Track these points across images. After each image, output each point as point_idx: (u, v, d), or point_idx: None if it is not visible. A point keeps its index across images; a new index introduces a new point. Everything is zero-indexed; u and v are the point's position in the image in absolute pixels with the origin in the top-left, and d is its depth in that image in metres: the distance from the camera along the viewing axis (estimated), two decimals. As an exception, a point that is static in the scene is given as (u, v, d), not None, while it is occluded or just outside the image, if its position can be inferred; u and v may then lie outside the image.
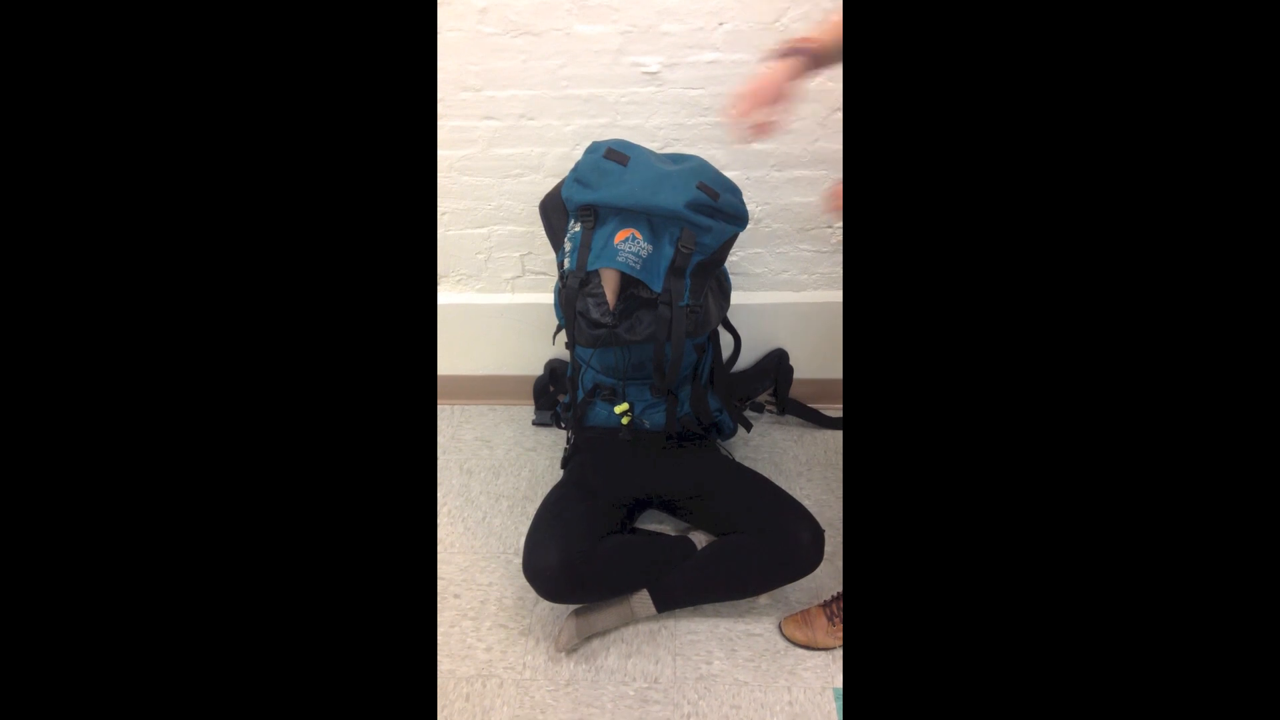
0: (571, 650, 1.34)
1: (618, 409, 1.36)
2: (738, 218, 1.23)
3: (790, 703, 1.27)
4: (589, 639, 1.36)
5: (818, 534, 1.29)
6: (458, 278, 1.68)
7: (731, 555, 1.32)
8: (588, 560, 1.26)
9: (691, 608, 1.39)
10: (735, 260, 1.58)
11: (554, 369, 1.75)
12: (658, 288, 1.19)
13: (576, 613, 1.34)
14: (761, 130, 0.96)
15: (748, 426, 1.58)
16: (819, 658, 1.33)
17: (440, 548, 1.54)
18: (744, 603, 1.40)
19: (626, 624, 1.37)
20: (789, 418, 1.78)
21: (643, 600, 1.34)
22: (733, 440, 1.62)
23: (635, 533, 1.44)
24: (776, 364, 1.71)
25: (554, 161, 1.46)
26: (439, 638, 1.38)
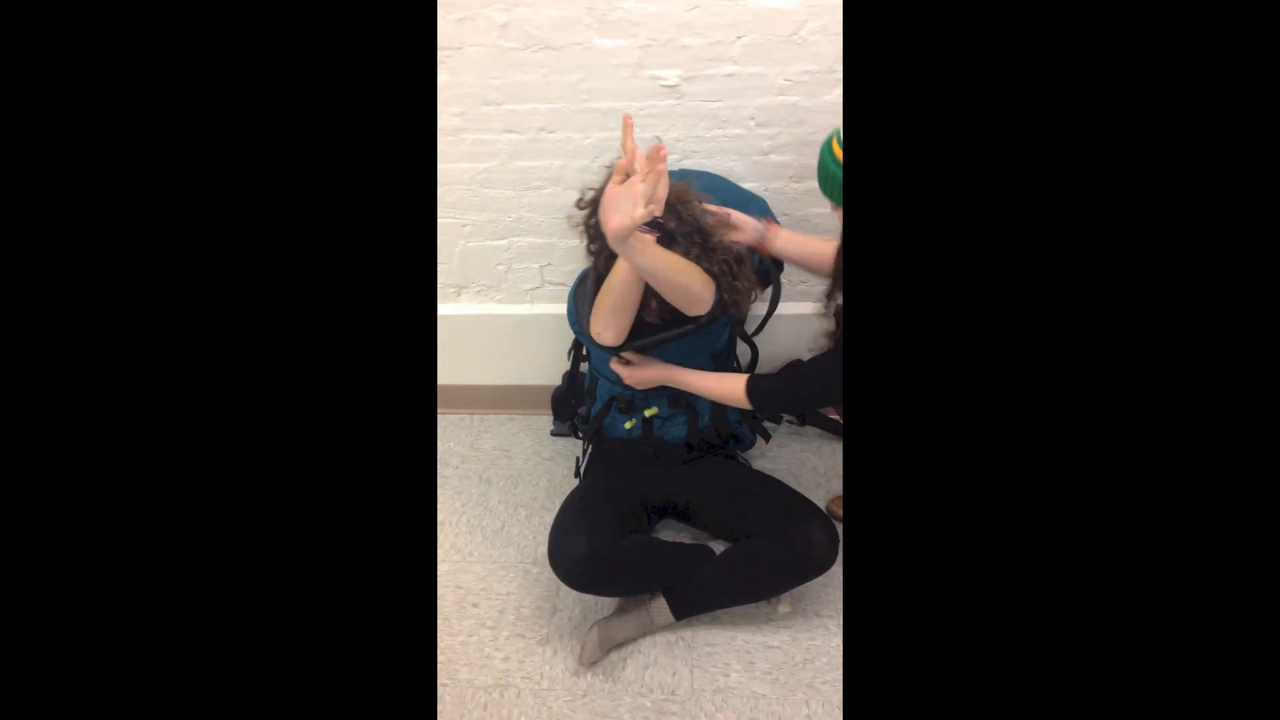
0: (594, 663, 1.34)
1: (647, 412, 1.37)
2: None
3: (808, 716, 1.26)
4: (610, 651, 1.36)
5: (831, 532, 1.29)
6: (478, 289, 1.69)
7: (747, 558, 1.32)
8: (614, 551, 1.27)
9: (710, 619, 1.39)
10: (753, 271, 1.58)
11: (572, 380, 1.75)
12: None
13: (598, 624, 1.34)
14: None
15: (766, 437, 1.57)
16: (837, 671, 1.31)
17: (459, 556, 1.55)
18: (762, 615, 1.40)
19: (646, 633, 1.37)
20: (808, 430, 1.77)
21: (661, 608, 1.34)
22: (751, 451, 1.62)
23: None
24: (794, 375, 1.70)
25: (573, 174, 1.47)
26: (458, 647, 1.39)
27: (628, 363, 1.30)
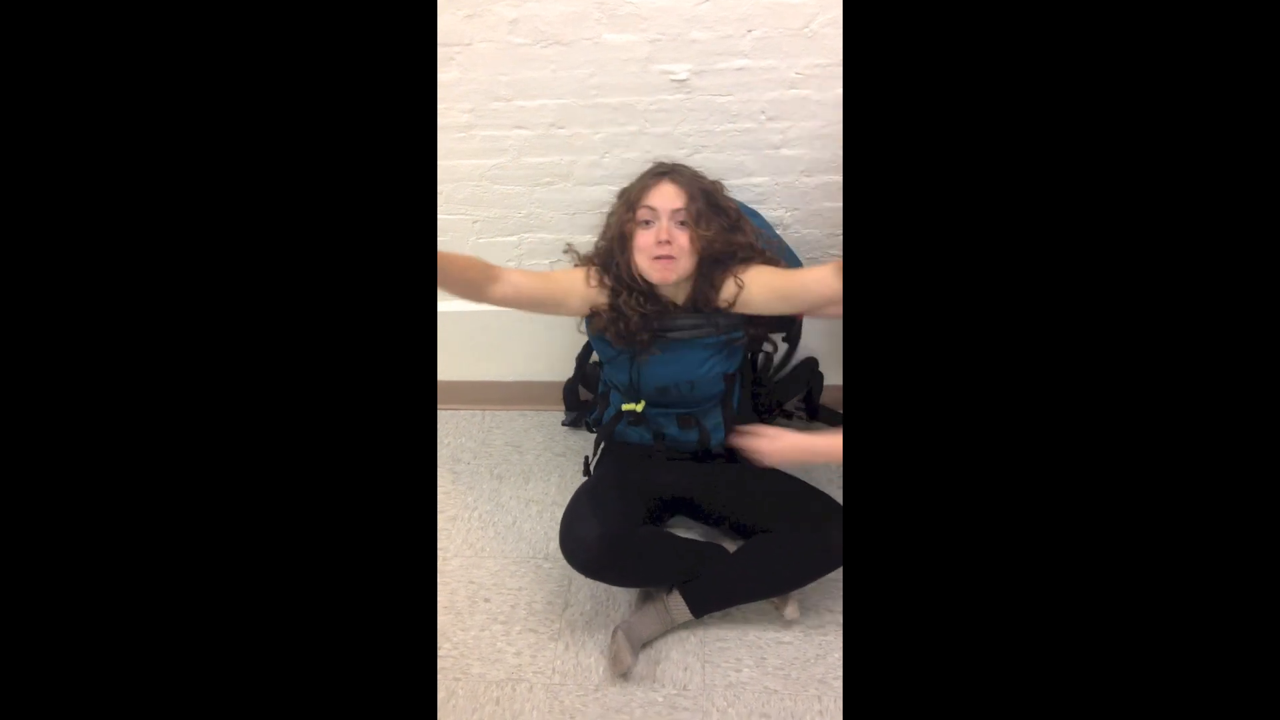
0: (629, 671, 1.31)
1: (625, 405, 1.37)
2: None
3: (820, 712, 1.26)
4: (641, 651, 1.35)
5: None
6: (489, 285, 1.70)
7: (763, 552, 1.31)
8: (627, 535, 1.26)
9: (722, 615, 1.38)
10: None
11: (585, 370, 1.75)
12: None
13: (620, 628, 1.32)
14: None
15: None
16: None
17: (471, 552, 1.56)
18: (774, 611, 1.39)
19: (668, 629, 1.36)
20: (819, 425, 1.76)
21: (677, 604, 1.33)
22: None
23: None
24: (809, 371, 1.70)
25: (583, 169, 1.47)
26: (470, 642, 1.40)
27: (750, 435, 1.26)
